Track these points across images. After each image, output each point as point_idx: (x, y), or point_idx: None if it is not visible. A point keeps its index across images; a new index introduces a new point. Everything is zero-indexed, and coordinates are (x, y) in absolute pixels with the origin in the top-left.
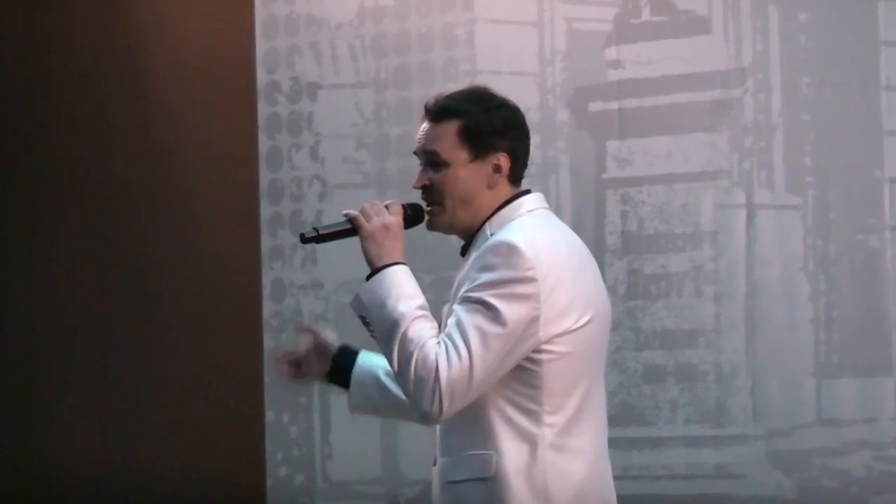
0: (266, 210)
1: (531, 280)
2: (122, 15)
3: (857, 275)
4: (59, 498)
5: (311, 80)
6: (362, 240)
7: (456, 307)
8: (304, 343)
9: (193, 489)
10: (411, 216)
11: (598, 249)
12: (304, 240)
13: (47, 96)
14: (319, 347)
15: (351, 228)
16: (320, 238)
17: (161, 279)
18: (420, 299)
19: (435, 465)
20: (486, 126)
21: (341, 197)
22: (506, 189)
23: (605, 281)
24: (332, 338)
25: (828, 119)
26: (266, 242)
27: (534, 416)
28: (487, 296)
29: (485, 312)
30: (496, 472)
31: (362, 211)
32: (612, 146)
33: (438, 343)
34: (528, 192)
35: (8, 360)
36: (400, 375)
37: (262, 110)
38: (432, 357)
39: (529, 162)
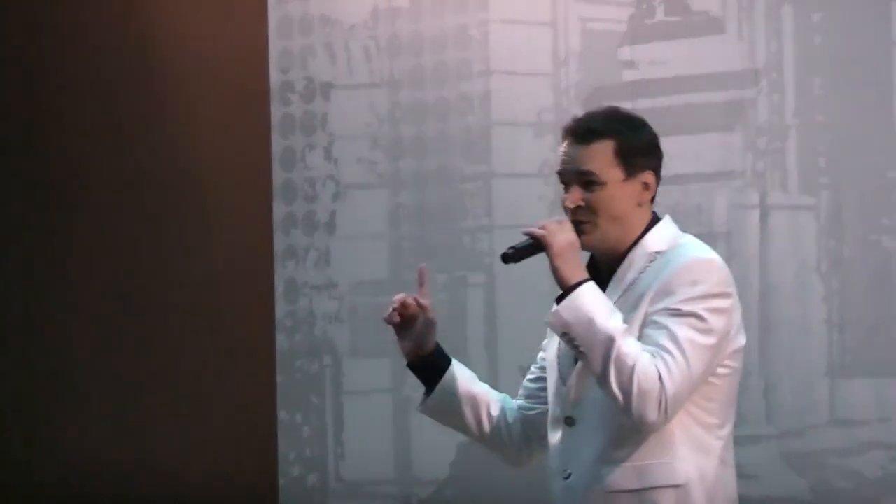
0: (279, 210)
1: (729, 296)
2: (135, 15)
3: (871, 275)
4: (71, 497)
5: (325, 80)
6: (553, 258)
7: (663, 319)
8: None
9: (206, 488)
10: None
11: None
12: (505, 260)
13: (61, 96)
14: (421, 327)
15: (538, 245)
16: (519, 257)
17: (174, 279)
18: (619, 314)
19: (567, 478)
20: (637, 146)
21: (355, 197)
22: (648, 208)
23: None
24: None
25: (842, 120)
26: (279, 242)
27: (710, 429)
28: (698, 308)
29: (696, 325)
30: (687, 481)
31: (547, 228)
32: None
33: (652, 355)
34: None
35: (18, 358)
36: (618, 388)
37: (276, 110)
38: (653, 369)
39: (543, 162)
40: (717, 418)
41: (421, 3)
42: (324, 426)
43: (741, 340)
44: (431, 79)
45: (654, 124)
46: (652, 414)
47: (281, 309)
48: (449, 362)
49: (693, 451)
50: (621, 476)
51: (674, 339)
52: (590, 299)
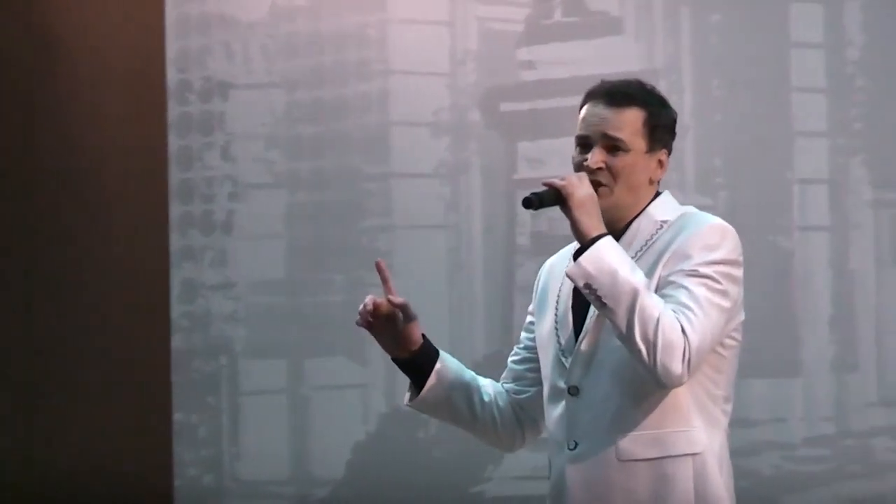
0: (176, 210)
1: (740, 265)
2: (33, 14)
3: (767, 275)
4: None
5: (223, 79)
6: (573, 209)
7: (681, 280)
8: (389, 307)
9: (102, 490)
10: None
11: (508, 250)
12: (527, 205)
13: None
14: (402, 326)
15: (559, 196)
16: (541, 204)
17: (70, 279)
18: (640, 270)
19: (574, 448)
20: (663, 121)
21: (252, 197)
22: (656, 187)
23: (515, 282)
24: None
25: (739, 120)
26: (176, 242)
27: (717, 401)
28: (713, 272)
29: (713, 287)
30: (704, 450)
31: (569, 180)
32: (524, 147)
33: (674, 311)
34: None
35: None
36: (642, 340)
37: (173, 110)
38: (677, 323)
39: (440, 161)
40: (723, 391)
41: (319, 2)
42: (220, 427)
43: (743, 314)
44: (330, 78)
45: (553, 125)
46: (676, 366)
47: (177, 309)
48: (436, 354)
49: (704, 421)
50: (638, 444)
51: (693, 297)
52: (612, 252)
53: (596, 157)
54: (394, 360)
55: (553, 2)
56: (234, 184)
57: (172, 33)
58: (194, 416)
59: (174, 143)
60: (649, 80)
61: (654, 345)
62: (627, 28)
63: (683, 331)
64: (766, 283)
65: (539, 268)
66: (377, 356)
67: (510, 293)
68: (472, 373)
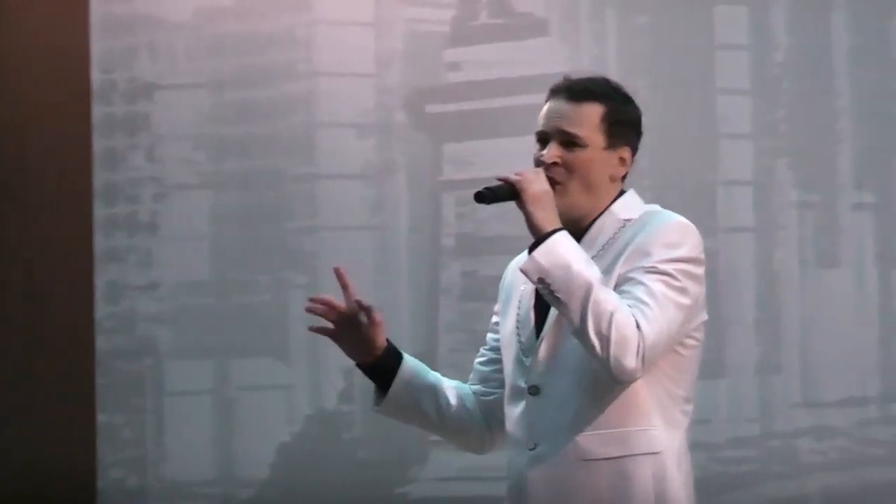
0: (101, 211)
1: (702, 264)
2: None
3: None
4: None
5: (148, 80)
6: (527, 203)
7: (639, 276)
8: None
9: (25, 490)
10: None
11: (433, 251)
12: (479, 199)
13: None
14: (365, 327)
15: (512, 191)
16: (494, 198)
17: None
18: (595, 265)
19: (534, 448)
20: (624, 117)
21: (177, 198)
22: (619, 185)
23: (440, 283)
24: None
25: (664, 122)
26: (101, 244)
27: (677, 401)
28: (673, 270)
29: (672, 284)
30: (663, 449)
31: (523, 174)
32: (449, 148)
33: (629, 306)
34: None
35: None
36: (596, 335)
37: (98, 110)
38: (631, 317)
39: (366, 163)
40: (683, 391)
41: (245, 3)
42: (144, 428)
43: (705, 314)
44: (255, 79)
45: (479, 127)
46: (630, 361)
47: (102, 310)
48: (400, 358)
49: (664, 421)
50: (598, 444)
51: (650, 293)
52: (566, 246)
53: (551, 152)
54: (357, 365)
55: (479, 3)
56: (160, 185)
57: (97, 34)
58: (119, 416)
59: (99, 143)
60: None
61: (608, 339)
62: (553, 30)
63: (638, 325)
64: None
65: (464, 269)
66: (302, 357)
67: (436, 295)
68: (439, 375)
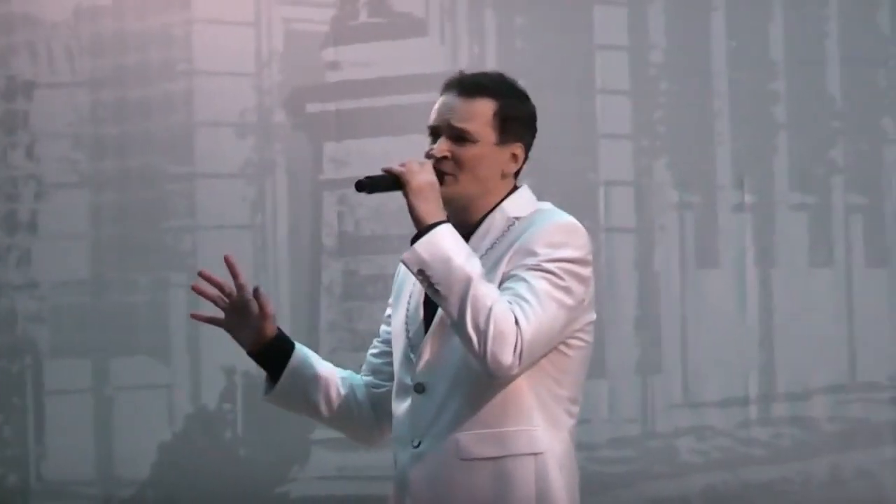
0: None
1: (589, 264)
2: None
3: None
4: None
5: (27, 78)
6: (410, 195)
7: (522, 273)
8: (243, 298)
9: None
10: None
11: (314, 251)
12: (359, 188)
13: None
14: (256, 316)
15: (396, 182)
16: (373, 188)
17: None
18: (477, 259)
19: (417, 446)
20: (517, 114)
21: (57, 197)
22: (511, 181)
23: (321, 282)
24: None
25: (544, 122)
26: None
27: (561, 401)
28: (556, 268)
29: (555, 283)
30: (545, 450)
31: (407, 166)
32: (329, 147)
33: (510, 302)
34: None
35: None
36: (473, 329)
37: None
38: (510, 313)
39: (246, 162)
40: (568, 391)
41: (123, 2)
42: (25, 426)
43: (593, 315)
44: (134, 78)
45: (358, 126)
46: (507, 357)
47: None
48: (292, 347)
49: (546, 421)
50: (478, 443)
51: (532, 290)
52: (448, 239)
53: (441, 147)
54: (249, 353)
55: (358, 3)
56: (39, 183)
57: None
58: None
59: None
60: None
61: (485, 333)
62: (432, 29)
63: (517, 322)
64: None
65: (345, 268)
66: (183, 356)
67: (316, 294)
68: (331, 365)
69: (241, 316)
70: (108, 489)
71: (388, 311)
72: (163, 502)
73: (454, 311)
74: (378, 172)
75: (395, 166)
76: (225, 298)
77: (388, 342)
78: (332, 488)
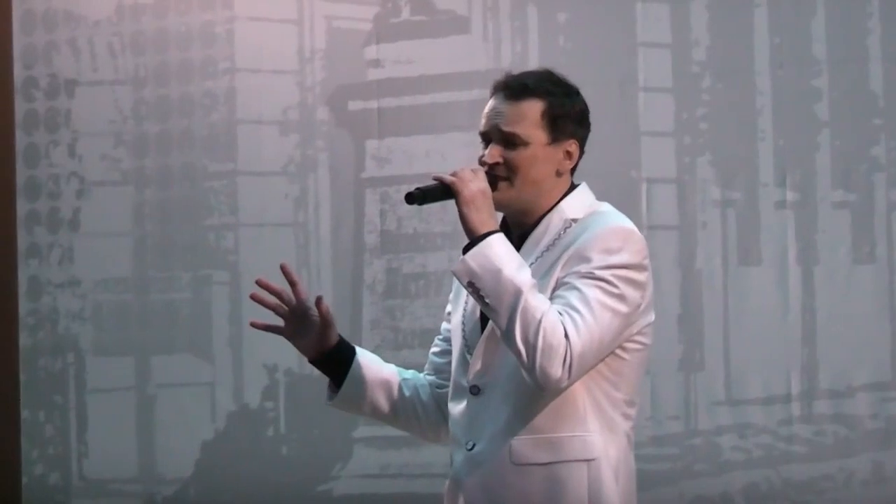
0: (23, 207)
1: (645, 269)
2: None
3: None
4: None
5: (69, 76)
6: (462, 205)
7: (575, 281)
8: (300, 305)
9: None
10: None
11: (356, 248)
12: (410, 200)
13: None
14: (317, 325)
15: (447, 191)
16: (424, 199)
17: None
18: (528, 269)
19: (471, 449)
20: (566, 111)
21: (99, 194)
22: (567, 178)
23: (363, 280)
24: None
25: None
26: (23, 240)
27: (617, 404)
28: (610, 275)
29: (609, 290)
30: (599, 456)
31: (459, 175)
32: (372, 145)
33: (560, 313)
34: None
35: None
36: (522, 342)
37: (20, 107)
38: (560, 326)
39: (288, 159)
40: (624, 394)
41: (166, 0)
42: (67, 424)
43: (651, 316)
44: (176, 76)
45: (400, 123)
46: (556, 371)
47: (24, 307)
48: (353, 352)
49: (601, 426)
50: (531, 448)
51: (584, 299)
52: (499, 250)
53: (492, 153)
54: (311, 361)
55: (401, 1)
56: (81, 181)
57: (19, 30)
58: (41, 413)
59: (21, 140)
60: (495, 79)
61: (534, 347)
62: (475, 27)
63: (567, 334)
64: None
65: (387, 265)
66: (224, 354)
67: (359, 291)
68: (394, 367)
69: (301, 324)
70: (150, 487)
71: (449, 307)
72: (205, 500)
73: (503, 323)
74: (428, 181)
75: (447, 175)
76: (284, 306)
77: (448, 340)
78: (375, 486)
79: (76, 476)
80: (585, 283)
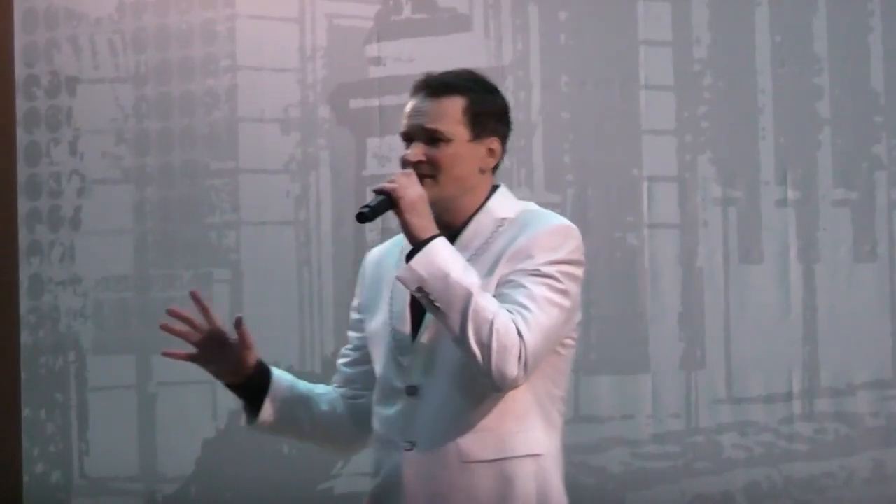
0: (24, 205)
1: (583, 265)
2: None
3: (616, 272)
4: None
5: (70, 74)
6: (404, 212)
7: (521, 279)
8: (213, 329)
9: None
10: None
11: (358, 246)
12: (361, 219)
13: None
14: (236, 348)
15: (389, 201)
16: (375, 214)
17: None
18: (474, 270)
19: (411, 449)
20: (488, 108)
21: (100, 192)
22: (490, 177)
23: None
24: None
25: (587, 117)
26: (24, 238)
27: (555, 401)
28: (555, 272)
29: (554, 286)
30: (545, 451)
31: (398, 181)
32: (373, 143)
33: (510, 311)
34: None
35: None
36: (477, 344)
37: (21, 104)
38: (512, 324)
39: (290, 157)
40: (561, 391)
41: None
42: (68, 423)
43: (580, 314)
44: (177, 73)
45: (401, 121)
46: (512, 369)
47: (25, 305)
48: (268, 374)
49: (544, 422)
50: (479, 445)
51: (531, 296)
52: (444, 254)
53: (415, 151)
54: (227, 385)
55: None
56: (82, 179)
57: (20, 28)
58: (42, 412)
59: (22, 138)
60: (498, 77)
61: (489, 348)
62: (476, 25)
63: (519, 332)
64: (616, 280)
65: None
66: None
67: None
68: (308, 384)
69: (219, 350)
70: (152, 485)
71: (356, 315)
72: (206, 499)
73: (455, 327)
74: (372, 198)
75: (386, 184)
76: (196, 333)
77: (359, 349)
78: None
79: (77, 474)
80: (531, 281)
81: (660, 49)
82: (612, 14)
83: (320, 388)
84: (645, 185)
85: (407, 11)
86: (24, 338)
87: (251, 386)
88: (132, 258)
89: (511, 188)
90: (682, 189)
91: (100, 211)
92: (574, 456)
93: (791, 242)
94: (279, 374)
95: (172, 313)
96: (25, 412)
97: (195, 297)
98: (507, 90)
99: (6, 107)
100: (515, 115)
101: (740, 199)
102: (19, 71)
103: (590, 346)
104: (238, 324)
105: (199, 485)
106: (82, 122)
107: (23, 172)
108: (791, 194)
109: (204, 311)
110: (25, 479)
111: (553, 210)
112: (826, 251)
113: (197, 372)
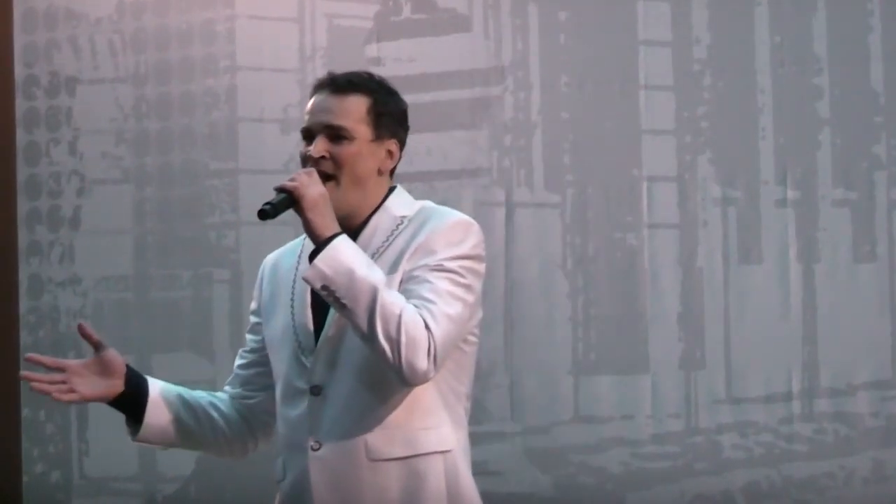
0: (23, 205)
1: (483, 260)
2: None
3: (615, 273)
4: None
5: (70, 74)
6: (306, 210)
7: (424, 274)
8: (76, 361)
9: None
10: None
11: None
12: (263, 216)
13: None
14: (104, 365)
15: (292, 199)
16: (276, 212)
17: None
18: (377, 267)
19: (318, 449)
20: (390, 109)
21: (100, 192)
22: (387, 179)
23: None
24: (117, 357)
25: (587, 117)
26: (23, 238)
27: (460, 397)
28: (458, 266)
29: (457, 281)
30: (453, 447)
31: (298, 180)
32: None
33: (416, 306)
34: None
35: None
36: (385, 338)
37: (20, 105)
38: (419, 318)
39: (289, 157)
40: (466, 388)
41: None
42: (68, 423)
43: (481, 312)
44: (177, 74)
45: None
46: (422, 363)
47: (25, 305)
48: (145, 384)
49: (450, 419)
50: (387, 443)
51: (436, 290)
52: (348, 251)
53: (318, 146)
54: (110, 403)
55: None
56: (82, 179)
57: (19, 28)
58: (42, 412)
59: (22, 138)
60: (497, 77)
61: (398, 342)
62: (476, 25)
63: (427, 325)
64: (615, 280)
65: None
66: (225, 352)
67: None
68: (186, 390)
69: (87, 375)
70: (151, 485)
71: (254, 319)
72: (205, 498)
73: (363, 324)
74: (274, 196)
75: (287, 182)
76: (56, 377)
77: (256, 351)
78: None
79: (77, 474)
80: (435, 275)
81: (659, 49)
82: (612, 14)
83: (202, 394)
84: (645, 185)
85: (406, 12)
86: (24, 338)
87: (130, 398)
88: (132, 258)
89: (511, 188)
90: (682, 189)
91: (99, 211)
92: (574, 456)
93: (791, 242)
94: (156, 383)
95: (31, 360)
96: (25, 412)
97: (83, 332)
98: (507, 90)
99: (6, 107)
100: (515, 115)
101: (740, 199)
102: (19, 71)
103: (590, 346)
104: (81, 328)
105: (199, 485)
106: (82, 123)
107: (22, 172)
108: (791, 194)
109: (95, 345)
110: (25, 479)
111: (552, 211)
112: (826, 251)
113: (197, 372)
